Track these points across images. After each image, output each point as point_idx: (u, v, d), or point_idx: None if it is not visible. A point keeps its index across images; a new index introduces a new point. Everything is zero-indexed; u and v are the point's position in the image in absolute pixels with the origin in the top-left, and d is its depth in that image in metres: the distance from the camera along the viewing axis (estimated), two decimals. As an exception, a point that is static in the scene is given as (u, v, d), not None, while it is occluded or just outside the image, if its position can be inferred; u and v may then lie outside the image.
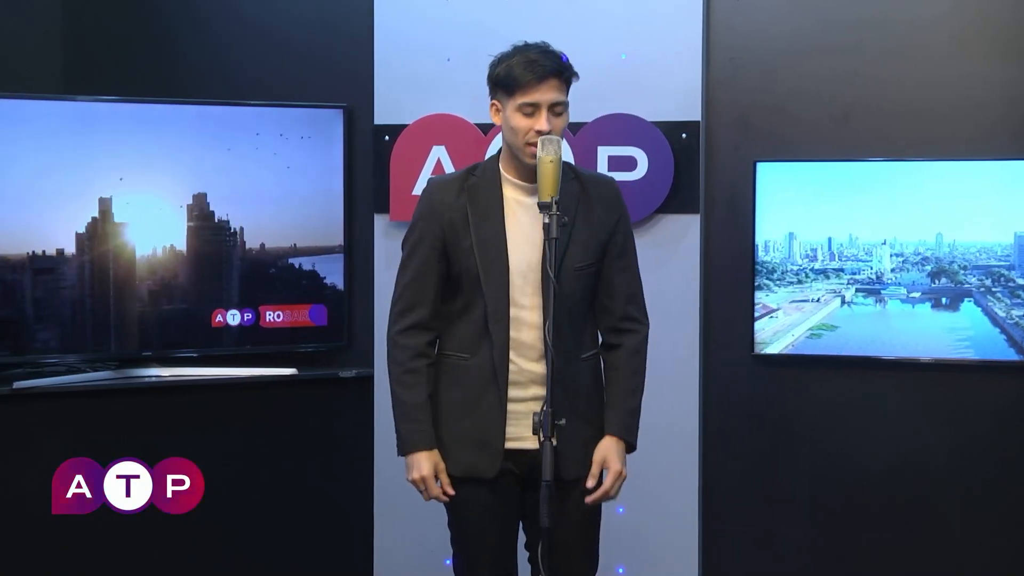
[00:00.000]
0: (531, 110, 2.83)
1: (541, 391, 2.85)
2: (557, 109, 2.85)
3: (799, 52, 4.01)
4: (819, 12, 4.00)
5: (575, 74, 2.90)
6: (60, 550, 3.96)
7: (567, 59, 2.88)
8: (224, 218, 4.23)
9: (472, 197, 2.93)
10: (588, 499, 2.91)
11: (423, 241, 2.94)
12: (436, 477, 2.92)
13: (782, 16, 4.03)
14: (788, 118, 4.02)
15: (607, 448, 2.94)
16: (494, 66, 2.90)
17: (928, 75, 3.92)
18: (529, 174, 2.89)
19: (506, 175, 2.94)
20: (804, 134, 4.01)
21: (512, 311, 2.89)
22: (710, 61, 4.05)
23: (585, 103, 3.84)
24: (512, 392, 2.90)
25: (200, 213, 4.21)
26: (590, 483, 2.92)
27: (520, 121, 2.84)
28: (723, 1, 4.04)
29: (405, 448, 2.93)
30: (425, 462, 2.90)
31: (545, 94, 2.82)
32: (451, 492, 2.92)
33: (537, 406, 2.81)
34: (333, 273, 4.34)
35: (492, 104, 2.92)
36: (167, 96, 4.26)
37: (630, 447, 3.00)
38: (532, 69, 2.82)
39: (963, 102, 3.88)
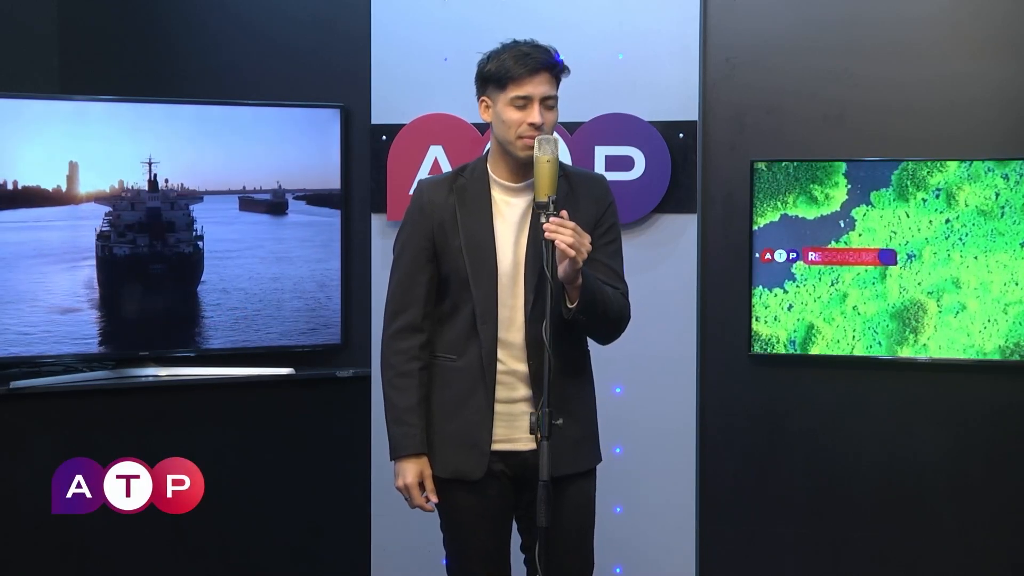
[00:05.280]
0: (523, 103, 2.82)
1: (530, 391, 2.86)
2: (549, 103, 2.84)
3: (795, 51, 4.01)
4: (815, 11, 4.00)
5: (566, 69, 2.89)
6: (60, 550, 3.97)
7: (559, 55, 2.88)
8: (220, 218, 4.23)
9: (461, 198, 2.92)
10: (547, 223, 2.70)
11: (411, 242, 2.95)
12: (422, 485, 2.91)
13: (778, 15, 4.03)
14: (785, 117, 4.02)
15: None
16: (484, 63, 2.90)
17: (924, 74, 3.91)
18: (518, 173, 2.89)
19: (494, 175, 2.93)
20: (800, 133, 4.01)
21: (500, 312, 2.88)
22: (707, 61, 4.05)
23: (582, 103, 3.87)
24: (501, 393, 2.89)
25: (196, 212, 4.21)
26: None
27: (512, 114, 2.83)
28: (719, 1, 4.04)
29: (393, 453, 2.93)
30: (410, 470, 2.90)
31: (537, 87, 2.82)
32: (435, 500, 2.92)
33: (526, 406, 2.83)
34: (330, 273, 4.34)
35: (481, 101, 2.91)
36: (164, 96, 4.26)
37: (579, 293, 2.76)
38: (524, 62, 2.82)
39: (959, 101, 3.88)
